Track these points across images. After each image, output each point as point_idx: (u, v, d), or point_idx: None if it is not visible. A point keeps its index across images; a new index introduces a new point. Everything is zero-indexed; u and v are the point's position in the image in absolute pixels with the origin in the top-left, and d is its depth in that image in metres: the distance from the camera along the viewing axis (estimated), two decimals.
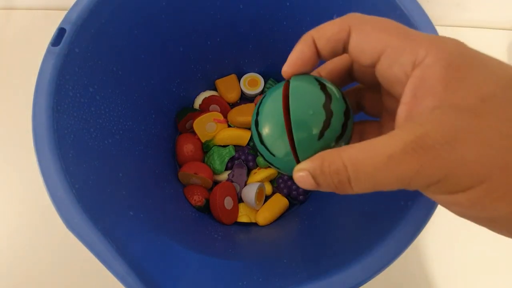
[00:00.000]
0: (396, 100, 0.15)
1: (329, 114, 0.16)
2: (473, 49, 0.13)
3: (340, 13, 0.30)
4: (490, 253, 0.39)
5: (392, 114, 0.16)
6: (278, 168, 0.18)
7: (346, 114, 0.17)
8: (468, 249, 0.40)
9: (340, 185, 0.14)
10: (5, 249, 0.39)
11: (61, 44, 0.24)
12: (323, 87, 0.17)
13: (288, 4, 0.34)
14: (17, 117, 0.45)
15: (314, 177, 0.15)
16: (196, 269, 0.25)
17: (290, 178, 0.40)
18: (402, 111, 0.14)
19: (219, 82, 0.43)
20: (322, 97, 0.17)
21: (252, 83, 0.43)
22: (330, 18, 0.31)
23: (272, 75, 0.44)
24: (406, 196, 0.22)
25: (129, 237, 0.23)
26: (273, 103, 0.17)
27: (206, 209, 0.38)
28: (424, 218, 0.21)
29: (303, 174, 0.15)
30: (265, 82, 0.43)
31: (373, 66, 0.16)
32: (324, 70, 0.20)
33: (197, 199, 0.37)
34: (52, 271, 0.38)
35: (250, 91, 0.43)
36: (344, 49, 0.17)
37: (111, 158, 0.28)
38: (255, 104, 0.41)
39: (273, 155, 0.18)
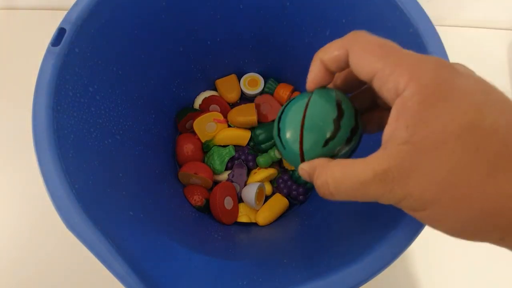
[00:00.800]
0: None
1: (336, 128, 0.19)
2: (452, 74, 0.15)
3: (341, 14, 0.30)
4: (491, 253, 0.39)
5: None
6: (286, 159, 0.22)
7: (353, 131, 0.20)
8: (469, 249, 0.40)
9: (323, 193, 0.18)
10: (5, 249, 0.39)
11: (61, 44, 0.24)
12: (338, 104, 0.19)
13: (288, 4, 0.34)
14: (17, 117, 0.45)
15: (310, 178, 0.19)
16: (196, 269, 0.25)
17: (290, 178, 0.40)
18: (386, 131, 0.16)
19: (219, 82, 0.43)
20: (334, 113, 0.19)
21: (252, 83, 0.43)
22: (331, 18, 0.31)
23: (272, 75, 0.44)
24: None
25: (129, 237, 0.23)
26: (296, 109, 0.21)
27: (206, 209, 0.38)
28: None
29: (304, 172, 0.20)
30: (265, 82, 0.43)
31: (369, 82, 0.18)
32: (339, 77, 0.22)
33: (197, 199, 0.37)
34: (52, 271, 0.38)
35: (250, 91, 0.43)
36: (348, 65, 0.19)
37: (111, 158, 0.28)
38: (255, 104, 0.41)
39: (285, 148, 0.21)
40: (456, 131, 0.14)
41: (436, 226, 0.16)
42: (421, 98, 0.14)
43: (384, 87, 0.16)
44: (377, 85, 0.16)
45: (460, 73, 0.15)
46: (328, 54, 0.19)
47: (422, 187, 0.15)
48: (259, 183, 0.38)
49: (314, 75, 0.20)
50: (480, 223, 0.14)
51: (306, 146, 0.20)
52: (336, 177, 0.17)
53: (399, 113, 0.15)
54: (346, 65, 0.18)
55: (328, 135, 0.19)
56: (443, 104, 0.14)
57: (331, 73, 0.20)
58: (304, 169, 0.20)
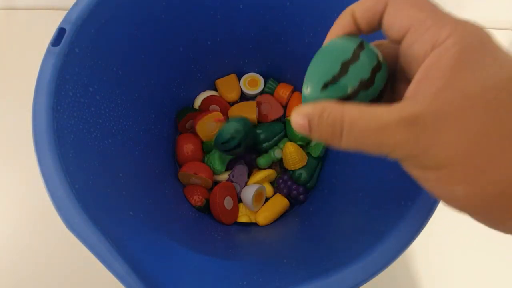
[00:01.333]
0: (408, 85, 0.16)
1: (343, 72, 0.17)
2: (492, 40, 0.14)
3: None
4: (491, 253, 0.39)
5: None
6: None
7: (364, 84, 0.17)
8: (469, 249, 0.40)
9: (331, 136, 0.16)
10: (5, 249, 0.39)
11: (61, 44, 0.24)
12: (359, 48, 0.17)
13: (288, 4, 0.34)
14: (17, 117, 0.45)
15: (309, 123, 0.16)
16: (196, 269, 0.25)
17: (290, 178, 0.40)
18: (411, 87, 0.15)
19: (219, 82, 0.43)
20: (347, 55, 0.17)
21: (252, 83, 0.43)
22: (331, 18, 0.31)
23: (272, 75, 0.44)
24: (406, 197, 0.22)
25: (129, 237, 0.23)
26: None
27: (206, 209, 0.38)
28: (424, 218, 0.21)
29: (299, 117, 0.17)
30: (265, 82, 0.43)
31: (399, 42, 0.16)
32: None
33: (197, 199, 0.37)
34: (52, 271, 0.38)
35: (250, 91, 0.43)
36: (379, 23, 0.17)
37: (111, 158, 0.28)
38: (257, 103, 0.41)
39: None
40: (497, 86, 0.13)
41: (442, 191, 0.14)
42: (463, 48, 0.13)
43: (420, 40, 0.15)
44: (410, 40, 0.15)
45: (498, 45, 0.14)
46: (363, 4, 0.17)
47: (448, 142, 0.13)
48: (258, 185, 0.38)
49: (340, 28, 0.18)
50: (494, 198, 0.13)
51: (305, 90, 0.18)
52: (353, 115, 0.15)
53: (433, 64, 0.14)
54: (378, 20, 0.17)
55: (329, 78, 0.17)
56: (485, 58, 0.13)
57: (358, 31, 0.18)
58: (303, 113, 0.16)
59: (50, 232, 0.39)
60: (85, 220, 0.21)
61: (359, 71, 0.17)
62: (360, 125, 0.15)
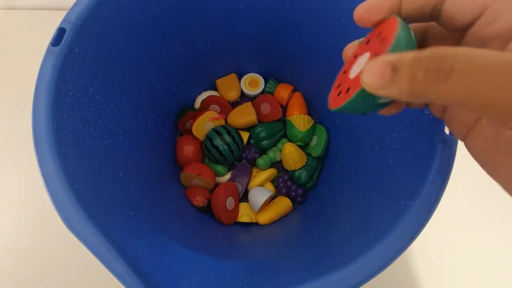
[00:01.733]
0: None
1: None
2: None
3: (341, 14, 0.30)
4: (490, 253, 0.39)
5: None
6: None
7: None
8: (468, 249, 0.40)
9: (433, 75, 0.12)
10: (5, 249, 0.39)
11: (61, 44, 0.24)
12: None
13: (288, 4, 0.34)
14: (17, 117, 0.45)
15: (396, 67, 0.13)
16: (196, 269, 0.25)
17: (290, 178, 0.40)
18: None
19: (220, 82, 0.43)
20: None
21: (252, 83, 0.43)
22: (331, 18, 0.31)
23: (272, 75, 0.44)
24: (406, 196, 0.22)
25: (129, 237, 0.23)
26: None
27: (207, 209, 0.38)
28: (424, 218, 0.21)
29: (378, 63, 0.13)
30: (266, 82, 0.43)
31: (468, 25, 0.16)
32: None
33: (199, 199, 0.37)
34: (52, 271, 0.38)
35: (250, 91, 0.43)
36: (432, 11, 0.16)
37: (111, 158, 0.28)
38: (256, 104, 0.41)
39: None
40: None
41: None
42: None
43: (502, 17, 0.14)
44: (487, 20, 0.15)
45: None
46: None
47: None
48: (270, 192, 0.37)
49: (377, 3, 0.16)
50: None
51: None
52: (469, 51, 0.12)
53: None
54: (431, 11, 0.16)
55: None
56: None
57: (396, 9, 0.16)
58: (387, 60, 0.13)
59: (50, 232, 0.39)
60: (85, 220, 0.21)
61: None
62: (482, 61, 0.11)
